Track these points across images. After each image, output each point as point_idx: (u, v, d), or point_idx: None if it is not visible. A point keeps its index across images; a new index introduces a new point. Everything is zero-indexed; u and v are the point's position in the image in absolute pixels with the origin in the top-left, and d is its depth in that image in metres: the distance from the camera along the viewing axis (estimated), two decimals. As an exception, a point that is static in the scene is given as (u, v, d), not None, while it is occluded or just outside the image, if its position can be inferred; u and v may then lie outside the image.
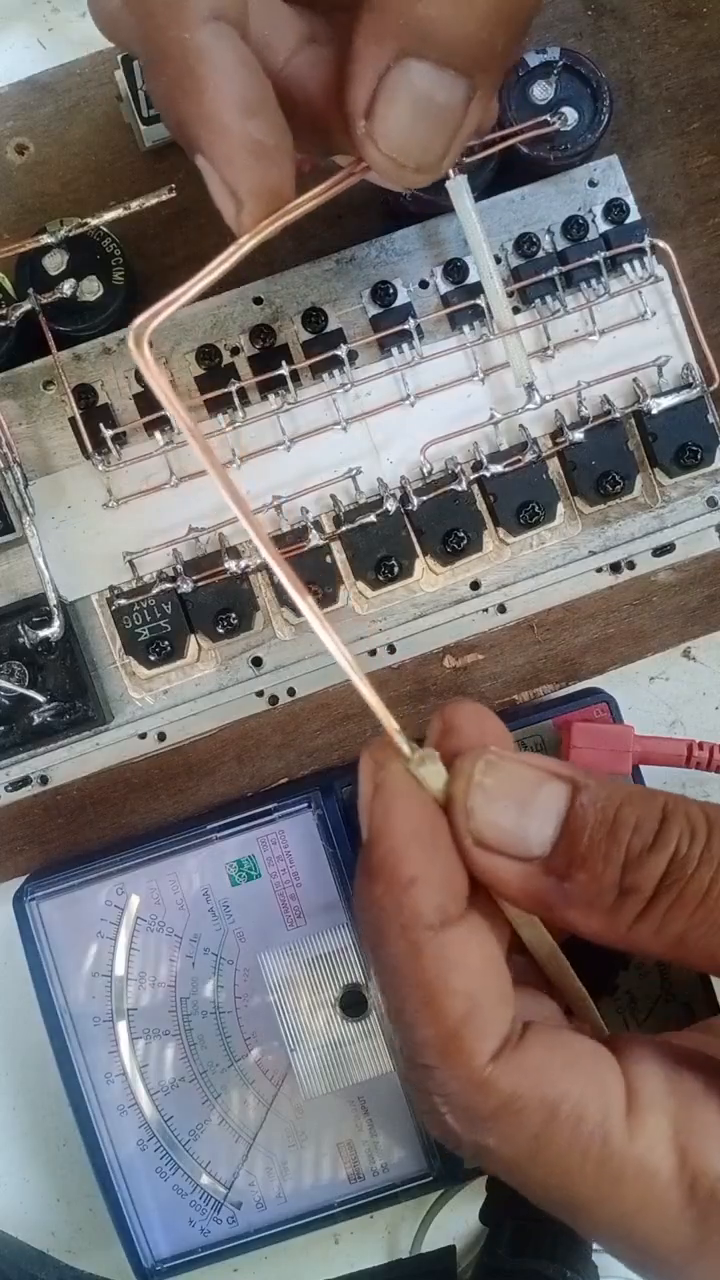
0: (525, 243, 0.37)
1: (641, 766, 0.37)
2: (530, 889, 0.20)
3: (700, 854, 0.19)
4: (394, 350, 0.37)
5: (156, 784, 0.40)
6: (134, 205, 0.35)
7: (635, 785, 0.21)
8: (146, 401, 0.37)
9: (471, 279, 0.37)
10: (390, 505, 0.37)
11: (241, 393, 0.37)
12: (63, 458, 0.37)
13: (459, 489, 0.37)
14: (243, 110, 0.21)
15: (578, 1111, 0.19)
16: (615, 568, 0.39)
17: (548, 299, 0.37)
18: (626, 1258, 0.20)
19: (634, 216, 0.37)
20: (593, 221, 0.37)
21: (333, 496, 0.37)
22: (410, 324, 0.37)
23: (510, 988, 0.20)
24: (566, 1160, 0.19)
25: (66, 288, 0.36)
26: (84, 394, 0.37)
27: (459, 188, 0.35)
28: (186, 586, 0.37)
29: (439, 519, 0.37)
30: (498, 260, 0.37)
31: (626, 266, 0.37)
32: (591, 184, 0.38)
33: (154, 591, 0.37)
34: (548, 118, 0.36)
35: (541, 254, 0.37)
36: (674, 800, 0.20)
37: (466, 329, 0.37)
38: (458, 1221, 0.41)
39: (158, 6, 0.21)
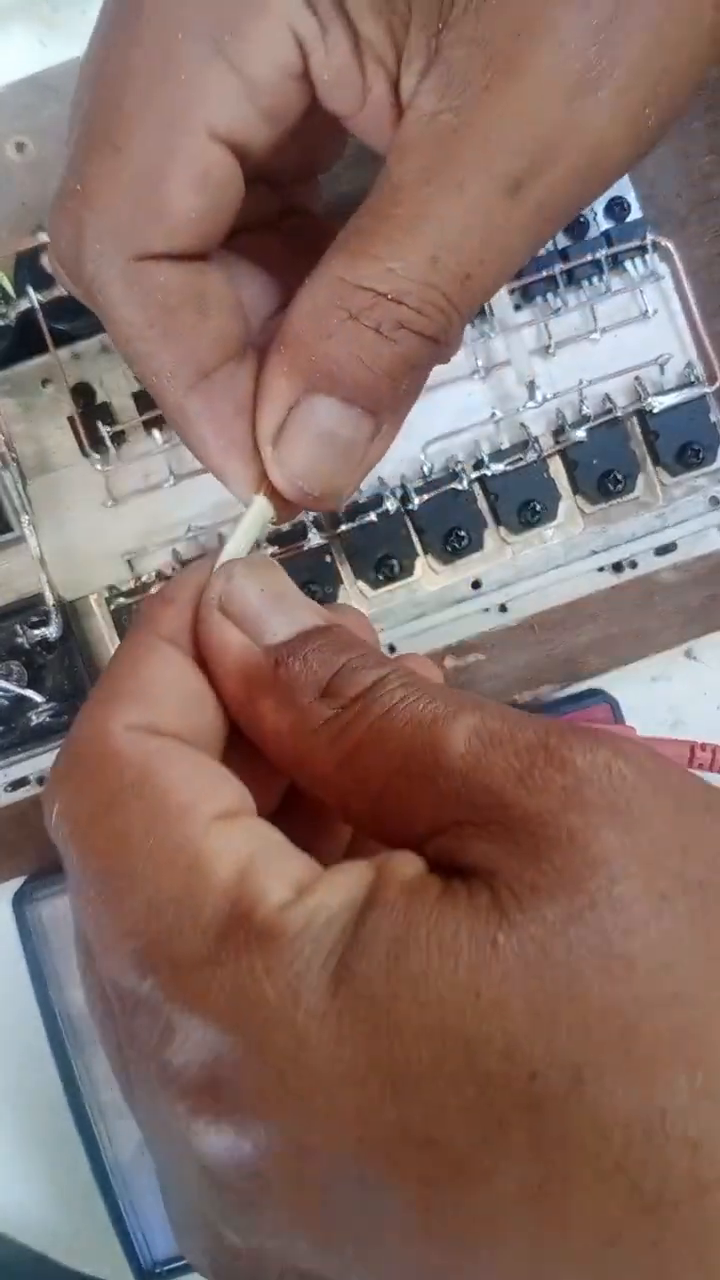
0: (526, 241, 0.37)
1: (643, 767, 0.37)
2: (243, 665, 0.20)
3: (401, 684, 0.19)
4: (394, 349, 0.37)
5: (156, 784, 0.40)
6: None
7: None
8: (145, 400, 0.37)
9: (472, 277, 0.37)
10: (391, 504, 0.37)
11: (241, 391, 0.37)
12: (61, 457, 0.37)
13: (460, 488, 0.37)
14: (249, 454, 0.23)
15: (170, 786, 0.18)
16: (617, 567, 0.39)
17: (549, 297, 0.37)
18: (122, 972, 0.17)
19: (635, 214, 0.37)
20: (594, 219, 0.37)
21: (333, 496, 0.37)
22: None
23: (200, 720, 0.21)
24: (131, 824, 0.18)
25: (66, 288, 0.35)
26: (83, 393, 0.37)
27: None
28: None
29: (440, 518, 0.37)
30: (498, 258, 0.37)
31: (628, 264, 0.37)
32: (593, 182, 0.37)
33: (153, 591, 0.37)
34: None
35: (542, 251, 0.37)
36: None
37: (467, 327, 0.37)
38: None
39: (151, 376, 0.23)
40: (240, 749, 0.21)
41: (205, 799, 0.18)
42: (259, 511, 0.23)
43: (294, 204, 0.26)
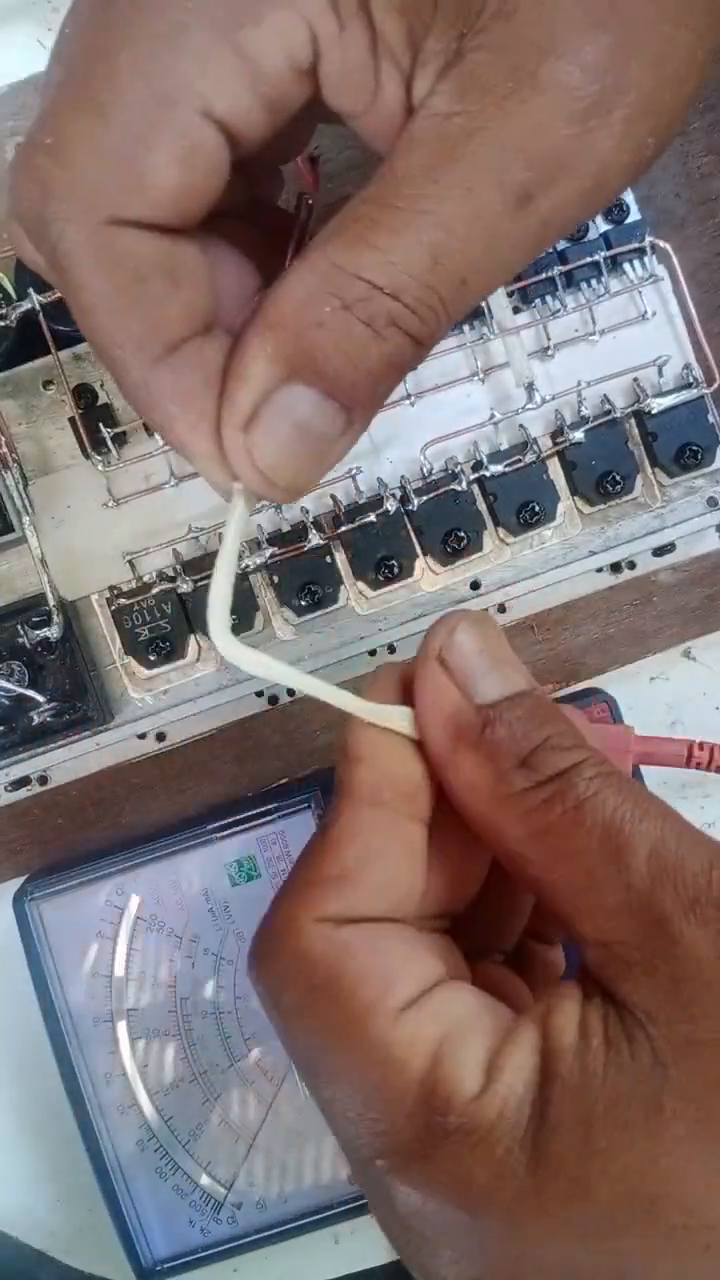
0: (525, 242, 0.37)
1: (641, 767, 0.37)
2: (453, 720, 0.21)
3: (595, 774, 0.20)
4: (394, 350, 0.37)
5: (156, 784, 0.40)
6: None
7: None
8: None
9: (471, 279, 0.37)
10: (390, 505, 0.37)
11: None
12: (62, 458, 0.37)
13: (459, 489, 0.37)
14: (212, 432, 0.22)
15: (358, 983, 0.20)
16: (615, 568, 0.39)
17: (548, 298, 0.37)
18: (346, 1145, 0.20)
19: (634, 216, 0.37)
20: (593, 221, 0.37)
21: (333, 496, 0.37)
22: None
23: (401, 889, 0.22)
24: (327, 1024, 0.20)
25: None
26: (84, 394, 0.37)
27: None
28: (186, 586, 0.37)
29: (439, 519, 0.37)
30: (498, 260, 0.37)
31: (626, 266, 0.37)
32: (591, 184, 0.37)
33: (154, 591, 0.37)
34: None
35: (541, 253, 0.37)
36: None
37: (466, 328, 0.37)
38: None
39: (114, 348, 0.21)
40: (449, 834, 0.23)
41: (392, 989, 0.20)
42: (241, 514, 0.23)
43: (258, 194, 0.26)
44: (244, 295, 0.24)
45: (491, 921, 0.25)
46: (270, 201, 0.26)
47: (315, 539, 0.37)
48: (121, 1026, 0.37)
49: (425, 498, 0.37)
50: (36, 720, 0.37)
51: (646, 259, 0.37)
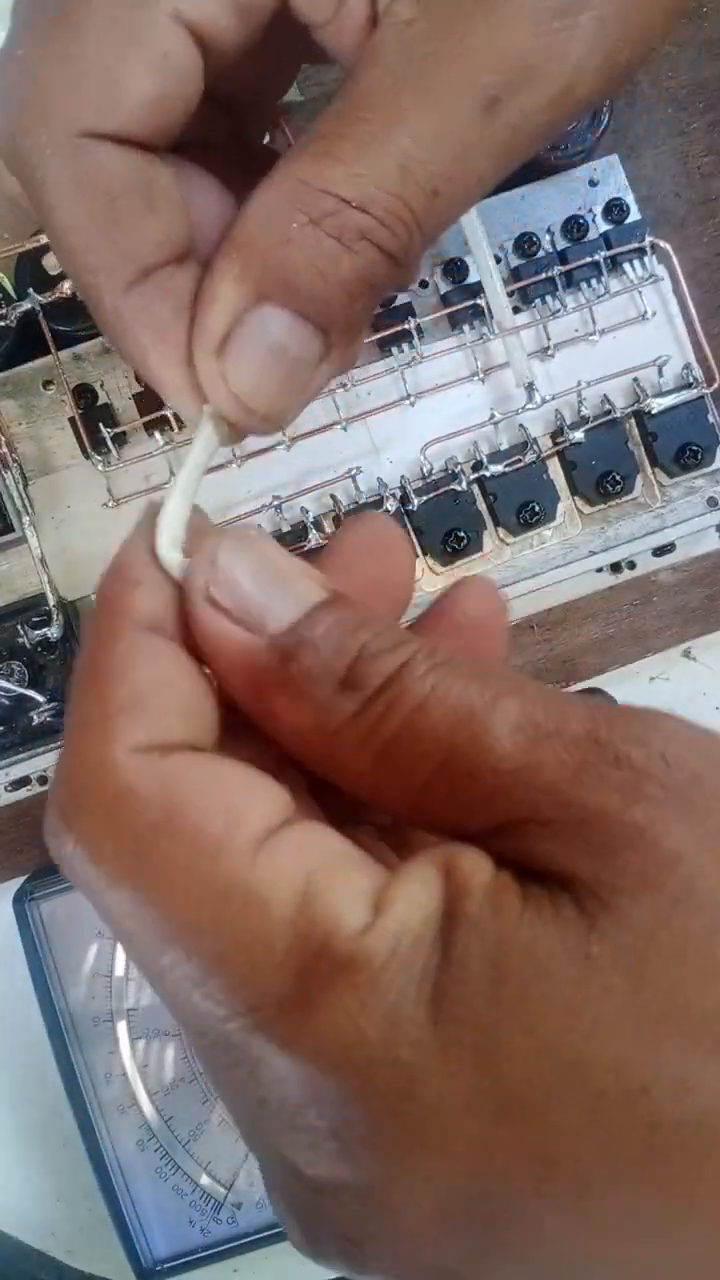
0: (525, 242, 0.37)
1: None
2: (249, 662, 0.18)
3: (430, 667, 0.17)
4: (394, 350, 0.37)
5: (156, 784, 0.40)
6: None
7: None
8: (147, 402, 0.37)
9: (471, 278, 0.37)
10: (390, 505, 0.37)
11: (241, 393, 0.37)
12: (62, 458, 0.37)
13: (459, 489, 0.37)
14: (185, 360, 0.21)
15: (200, 819, 0.16)
16: (615, 568, 0.39)
17: (548, 299, 0.37)
18: (193, 1014, 0.17)
19: (634, 216, 0.37)
20: (593, 221, 0.37)
21: (333, 496, 0.37)
22: (410, 324, 0.37)
23: (200, 717, 0.18)
24: (167, 873, 0.16)
25: (66, 287, 0.36)
26: (84, 394, 0.37)
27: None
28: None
29: (439, 519, 0.37)
30: (498, 260, 0.37)
31: (627, 266, 0.37)
32: (592, 183, 0.37)
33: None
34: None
35: (541, 253, 0.37)
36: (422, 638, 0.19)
37: (466, 329, 0.37)
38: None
39: (82, 273, 0.21)
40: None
41: (241, 821, 0.17)
42: (208, 436, 0.22)
43: (243, 133, 0.25)
44: (223, 228, 0.23)
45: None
46: (256, 142, 0.26)
47: (315, 539, 0.37)
48: (121, 1026, 0.37)
49: (425, 498, 0.37)
50: (37, 720, 0.37)
51: (646, 259, 0.37)
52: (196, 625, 0.19)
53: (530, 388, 0.37)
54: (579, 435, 0.37)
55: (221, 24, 0.20)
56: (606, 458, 0.37)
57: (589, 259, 0.37)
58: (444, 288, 0.37)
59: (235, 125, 0.24)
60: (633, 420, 0.38)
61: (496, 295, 0.36)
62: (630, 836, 0.16)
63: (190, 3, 0.20)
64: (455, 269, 0.37)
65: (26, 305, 0.35)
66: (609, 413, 0.37)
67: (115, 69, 0.19)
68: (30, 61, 0.20)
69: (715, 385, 0.37)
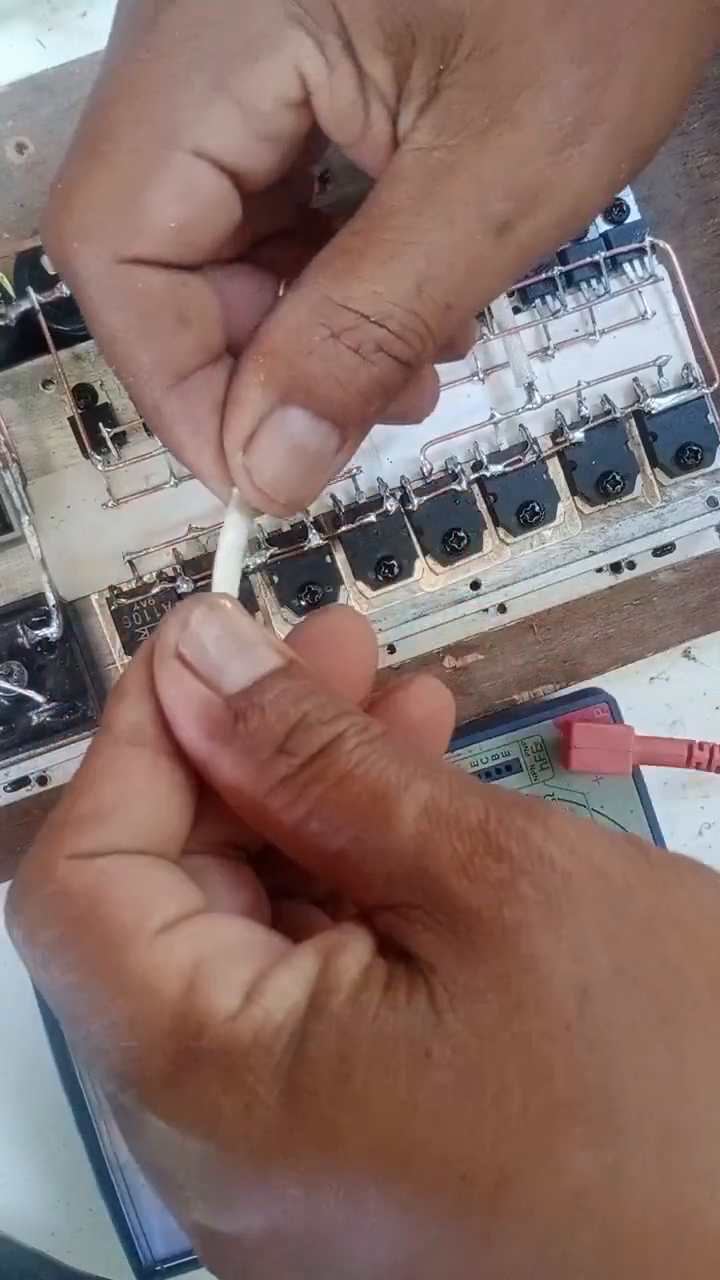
0: (525, 242, 0.37)
1: (642, 766, 0.37)
2: (203, 717, 0.20)
3: (358, 744, 0.19)
4: (394, 350, 0.37)
5: (156, 784, 0.40)
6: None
7: (338, 693, 0.21)
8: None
9: (471, 279, 0.37)
10: (390, 505, 0.37)
11: (241, 392, 0.37)
12: (62, 457, 0.37)
13: (459, 489, 0.37)
14: (219, 455, 0.24)
15: (114, 912, 0.18)
16: (615, 568, 0.39)
17: (548, 299, 0.37)
18: (102, 1082, 0.19)
19: (634, 216, 0.37)
20: (593, 221, 0.37)
21: (332, 496, 0.37)
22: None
23: (157, 829, 0.20)
24: (83, 958, 0.18)
25: (66, 287, 0.36)
26: (83, 393, 0.37)
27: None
28: (186, 586, 0.37)
29: (439, 519, 0.37)
30: (498, 260, 0.37)
31: (626, 266, 0.37)
32: (592, 183, 0.37)
33: (154, 591, 0.37)
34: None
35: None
36: (363, 712, 0.20)
37: (466, 329, 0.37)
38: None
39: (128, 375, 0.23)
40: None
41: (148, 914, 0.19)
42: (237, 522, 0.24)
43: (303, 201, 0.27)
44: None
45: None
46: (310, 203, 0.28)
47: (315, 539, 0.37)
48: (121, 1027, 0.37)
49: (425, 498, 0.37)
50: (36, 720, 0.36)
51: (646, 259, 0.37)
52: (159, 678, 0.21)
53: (530, 388, 0.37)
54: (579, 435, 0.37)
55: (252, 153, 0.22)
56: (606, 458, 0.37)
57: (589, 259, 0.37)
58: (444, 287, 0.37)
59: (295, 199, 0.26)
60: (633, 420, 0.38)
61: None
62: (494, 937, 0.17)
63: (214, 138, 0.21)
64: (455, 269, 0.37)
65: (26, 304, 0.35)
66: (609, 413, 0.37)
67: (140, 200, 0.21)
68: (67, 193, 0.22)
69: (715, 385, 0.37)
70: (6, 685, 0.36)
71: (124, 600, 0.37)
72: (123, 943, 0.18)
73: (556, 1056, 0.16)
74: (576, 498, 0.38)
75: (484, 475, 0.37)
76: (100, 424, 0.36)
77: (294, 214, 0.26)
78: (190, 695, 0.20)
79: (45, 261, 0.36)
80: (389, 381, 0.22)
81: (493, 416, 0.37)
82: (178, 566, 0.37)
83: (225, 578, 0.24)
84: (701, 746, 0.37)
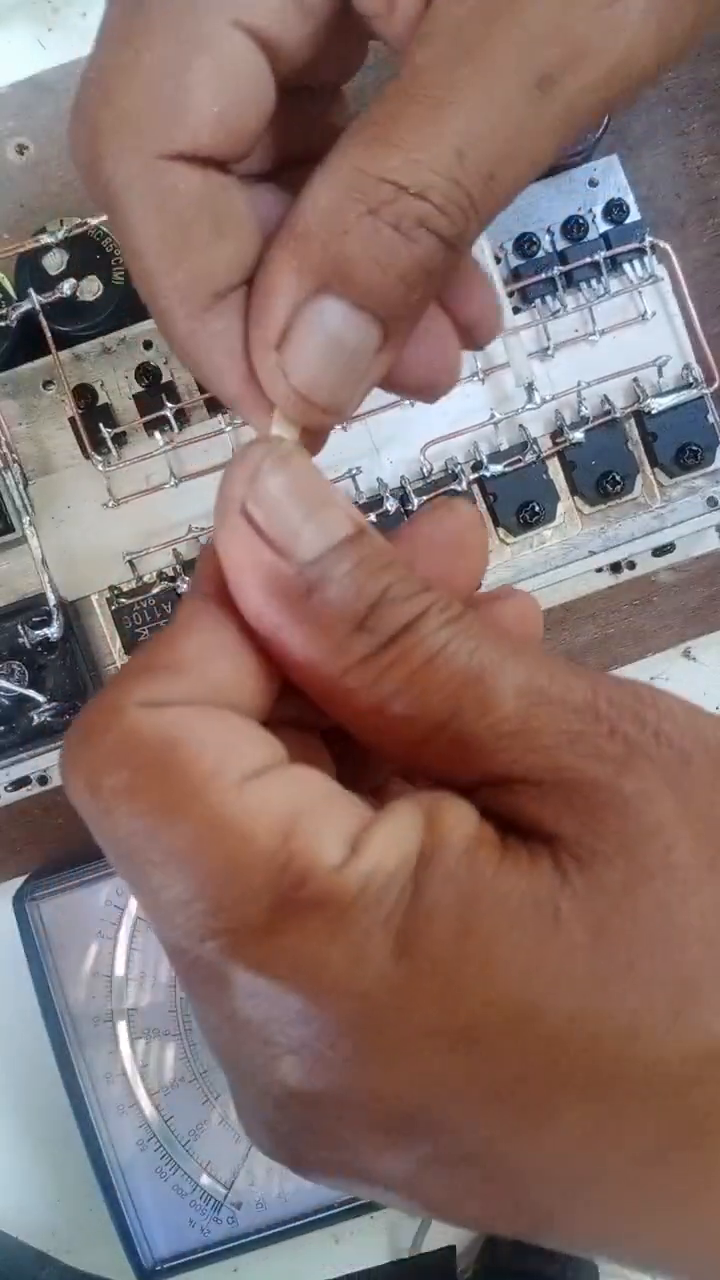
0: (525, 242, 0.37)
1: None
2: (272, 586, 0.19)
3: (446, 621, 0.18)
4: (394, 350, 0.37)
5: (156, 784, 0.40)
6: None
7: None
8: (146, 401, 0.37)
9: (471, 279, 0.37)
10: (390, 505, 0.37)
11: (241, 393, 0.37)
12: (62, 458, 0.37)
13: (459, 489, 0.37)
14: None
15: (193, 756, 0.17)
16: (615, 568, 0.39)
17: (548, 299, 0.37)
18: (174, 934, 0.17)
19: (634, 216, 0.37)
20: (593, 221, 0.37)
21: (333, 496, 0.37)
22: (410, 324, 0.37)
23: (236, 686, 0.19)
24: (158, 802, 0.17)
25: (66, 287, 0.36)
26: (84, 394, 0.37)
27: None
28: (187, 586, 0.37)
29: (439, 519, 0.37)
30: (497, 260, 0.37)
31: (626, 266, 0.37)
32: (591, 184, 0.37)
33: (154, 591, 0.37)
34: (548, 117, 0.36)
35: (541, 254, 0.37)
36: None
37: (466, 329, 0.37)
38: (458, 1221, 0.41)
39: (161, 297, 0.21)
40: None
41: (234, 759, 0.17)
42: (279, 434, 0.22)
43: (327, 123, 0.25)
44: None
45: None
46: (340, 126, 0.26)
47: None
48: (121, 1026, 0.37)
49: (424, 498, 0.37)
50: (36, 720, 0.37)
51: (646, 259, 0.37)
52: (224, 540, 0.19)
53: (530, 388, 0.37)
54: (579, 435, 0.37)
55: (284, 26, 0.20)
56: (606, 458, 0.37)
57: (589, 259, 0.37)
58: (444, 288, 0.37)
59: (319, 116, 0.24)
60: (633, 420, 0.38)
61: (497, 295, 0.36)
62: (615, 804, 0.17)
63: (250, 9, 0.20)
64: (455, 269, 0.37)
65: (26, 305, 0.35)
66: (609, 413, 0.37)
67: (179, 80, 0.20)
68: (103, 82, 0.20)
69: (715, 385, 0.37)
70: (7, 685, 0.36)
71: (124, 600, 0.37)
72: (204, 787, 0.17)
73: (692, 923, 0.16)
74: (576, 498, 0.38)
75: (484, 475, 0.37)
76: (100, 424, 0.36)
77: (320, 133, 0.24)
78: (257, 561, 0.19)
79: (46, 262, 0.36)
80: (432, 264, 0.20)
81: (492, 417, 0.37)
82: (178, 566, 0.37)
83: None
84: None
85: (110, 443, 0.36)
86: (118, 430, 0.37)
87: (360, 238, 0.19)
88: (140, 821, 0.17)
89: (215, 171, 0.21)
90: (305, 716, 0.21)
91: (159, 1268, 0.37)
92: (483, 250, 0.35)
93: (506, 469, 0.37)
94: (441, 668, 0.18)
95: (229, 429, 0.37)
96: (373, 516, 0.37)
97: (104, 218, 0.35)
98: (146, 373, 0.37)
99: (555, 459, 0.38)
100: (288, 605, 0.19)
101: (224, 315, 0.21)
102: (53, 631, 0.36)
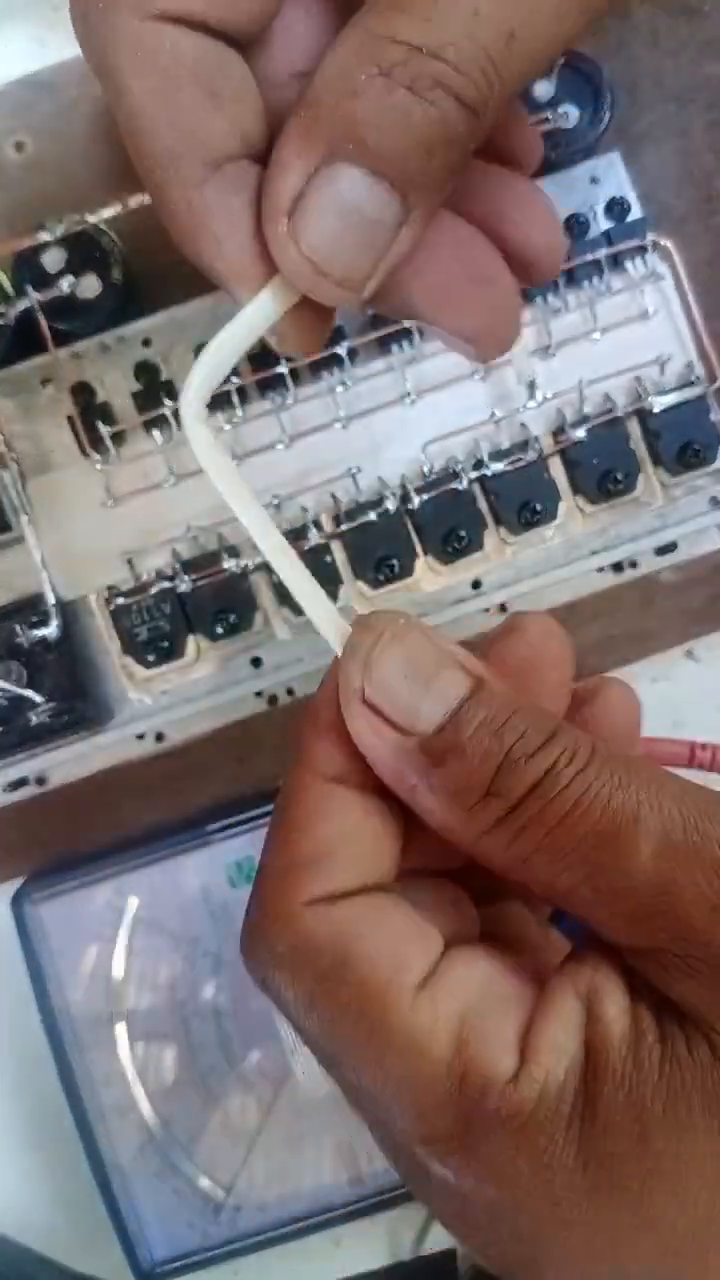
0: (526, 240, 0.37)
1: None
2: (399, 763, 0.19)
3: (575, 775, 0.18)
4: (394, 348, 0.37)
5: (155, 785, 0.40)
6: (133, 202, 0.35)
7: (534, 702, 0.20)
8: (145, 399, 0.37)
9: (472, 277, 0.37)
10: (390, 504, 0.37)
11: (241, 391, 0.37)
12: (61, 456, 0.37)
13: (460, 488, 0.37)
14: (262, 252, 0.20)
15: (367, 966, 0.18)
16: (617, 567, 0.39)
17: (549, 296, 0.37)
18: (382, 1133, 0.19)
19: (635, 214, 0.37)
20: (594, 219, 0.37)
21: (333, 495, 0.37)
22: (411, 321, 0.37)
23: (377, 861, 0.20)
24: (342, 1013, 0.18)
25: (65, 285, 0.35)
26: (82, 392, 0.37)
27: (460, 185, 0.35)
28: (185, 586, 0.36)
29: (440, 518, 0.37)
30: (498, 258, 0.37)
31: (628, 264, 0.37)
32: (593, 181, 0.37)
33: (152, 591, 0.37)
34: (549, 115, 0.36)
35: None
36: (566, 724, 0.19)
37: (467, 327, 0.37)
38: (459, 1224, 0.41)
39: (153, 164, 0.20)
40: None
41: (404, 967, 0.18)
42: (264, 303, 0.21)
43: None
44: None
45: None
46: None
47: (315, 538, 0.36)
48: (120, 1028, 0.37)
49: (426, 497, 0.37)
50: (35, 721, 0.36)
51: (648, 257, 0.37)
52: (352, 723, 0.20)
53: (531, 386, 0.37)
54: (580, 434, 0.37)
55: None
56: (608, 456, 0.37)
57: (590, 257, 0.37)
58: (444, 286, 0.37)
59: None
60: (634, 419, 0.38)
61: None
62: None
63: None
64: (456, 267, 0.37)
65: (25, 303, 0.35)
66: (610, 411, 0.37)
67: None
68: None
69: (717, 383, 0.37)
70: (5, 685, 0.36)
71: (122, 599, 0.37)
72: (383, 1000, 0.18)
73: None
74: (578, 497, 0.38)
75: (485, 474, 0.37)
76: (99, 423, 0.36)
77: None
78: (385, 740, 0.19)
79: (45, 260, 0.36)
80: (453, 130, 0.19)
81: (494, 415, 0.37)
82: (176, 566, 0.37)
83: (220, 365, 0.21)
84: (704, 747, 0.37)
85: (109, 441, 0.36)
86: (116, 429, 0.36)
87: (372, 100, 0.18)
88: (332, 1029, 0.18)
89: (212, 39, 0.20)
90: (440, 861, 0.22)
91: (158, 1270, 0.37)
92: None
93: (508, 468, 0.37)
94: (574, 828, 0.18)
95: (228, 427, 0.37)
96: (373, 515, 0.36)
97: (103, 215, 0.35)
98: (145, 370, 0.37)
99: (557, 457, 0.38)
100: (419, 778, 0.19)
101: (220, 189, 0.20)
102: (51, 631, 0.36)
